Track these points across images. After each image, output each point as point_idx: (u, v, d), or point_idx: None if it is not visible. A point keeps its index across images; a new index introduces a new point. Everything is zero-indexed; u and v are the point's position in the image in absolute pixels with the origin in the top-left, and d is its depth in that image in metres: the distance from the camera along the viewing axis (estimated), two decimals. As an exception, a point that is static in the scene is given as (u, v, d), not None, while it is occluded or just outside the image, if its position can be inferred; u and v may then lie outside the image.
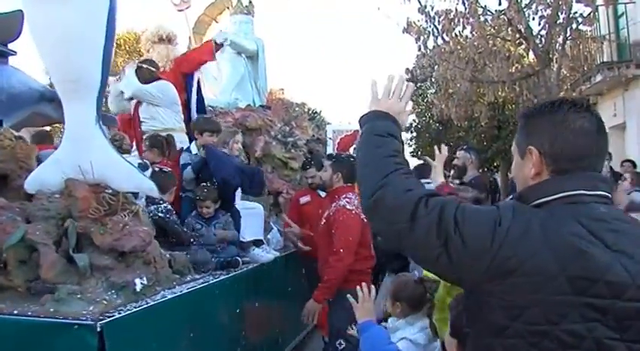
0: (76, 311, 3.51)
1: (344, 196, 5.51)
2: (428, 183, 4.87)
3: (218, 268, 5.35)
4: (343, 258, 5.19)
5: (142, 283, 3.97)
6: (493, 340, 1.87)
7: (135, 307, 3.74)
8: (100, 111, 4.11)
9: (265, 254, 6.17)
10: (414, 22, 15.70)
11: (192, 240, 5.46)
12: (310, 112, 13.34)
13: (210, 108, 9.56)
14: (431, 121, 25.73)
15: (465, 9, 14.87)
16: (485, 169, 23.93)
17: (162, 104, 7.10)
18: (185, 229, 5.46)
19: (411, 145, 27.66)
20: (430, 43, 16.01)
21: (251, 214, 6.48)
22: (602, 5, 15.21)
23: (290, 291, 6.92)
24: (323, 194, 7.33)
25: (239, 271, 5.48)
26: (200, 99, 8.17)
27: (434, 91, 21.69)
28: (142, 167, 5.40)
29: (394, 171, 2.07)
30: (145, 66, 7.22)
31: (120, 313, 3.57)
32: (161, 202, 5.30)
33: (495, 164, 25.49)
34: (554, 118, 1.99)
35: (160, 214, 5.19)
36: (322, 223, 5.65)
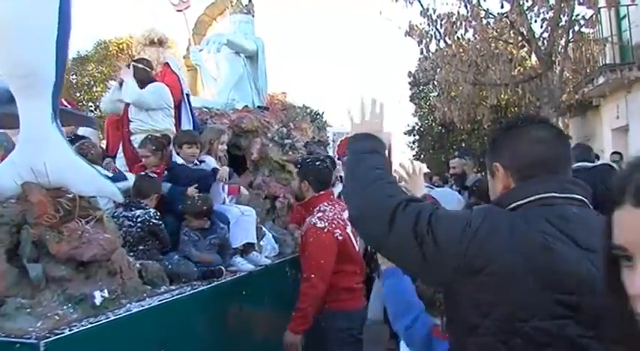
0: (21, 328, 3.04)
1: (317, 208, 4.80)
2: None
3: (200, 278, 4.85)
4: (316, 284, 4.52)
5: (102, 296, 3.48)
6: (466, 338, 1.90)
7: (91, 323, 3.26)
8: (56, 109, 3.61)
9: (245, 264, 5.62)
10: (417, 26, 15.52)
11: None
12: (312, 113, 12.93)
13: (205, 109, 9.09)
14: (433, 124, 25.12)
15: (467, 12, 14.58)
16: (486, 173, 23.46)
17: (157, 108, 6.60)
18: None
19: (413, 148, 27.18)
20: (432, 47, 15.87)
21: (242, 218, 6.00)
22: (604, 7, 14.74)
23: (282, 303, 6.25)
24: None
25: (221, 280, 4.94)
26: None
27: (436, 94, 21.20)
28: (117, 178, 4.96)
29: (377, 180, 2.14)
30: (140, 66, 6.71)
31: (71, 330, 3.08)
32: (147, 206, 4.85)
33: (498, 167, 24.95)
34: (512, 134, 2.09)
35: (153, 221, 4.73)
36: (300, 241, 5.00)
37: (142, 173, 5.20)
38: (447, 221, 1.92)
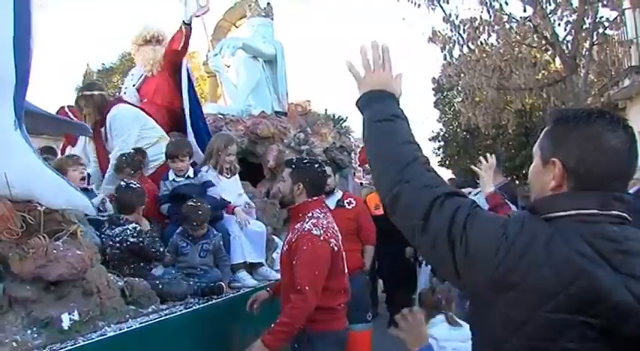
0: (-27, 355, 2.60)
1: (310, 214, 4.12)
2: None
3: (198, 295, 4.36)
4: (308, 298, 3.82)
5: (71, 319, 3.02)
6: None
7: (54, 350, 2.79)
8: (20, 113, 3.14)
9: (248, 279, 5.11)
10: (439, 32, 14.98)
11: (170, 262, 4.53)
12: (335, 118, 12.55)
13: (220, 116, 8.63)
14: (458, 129, 24.51)
15: (490, 17, 14.05)
16: (514, 177, 22.80)
17: (127, 132, 5.80)
18: (164, 251, 4.47)
19: (438, 155, 26.57)
20: (456, 52, 15.28)
21: (248, 232, 5.50)
22: (628, 9, 14.10)
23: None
24: (332, 205, 6.24)
25: (221, 298, 4.41)
26: (194, 98, 7.05)
27: (460, 99, 20.63)
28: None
29: (412, 161, 1.91)
30: (94, 93, 5.90)
31: (29, 359, 2.62)
32: (126, 222, 4.36)
33: (524, 172, 24.18)
34: (586, 133, 1.75)
35: (131, 239, 4.21)
36: (284, 248, 4.23)
37: (123, 184, 4.66)
38: (482, 227, 1.73)
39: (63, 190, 3.25)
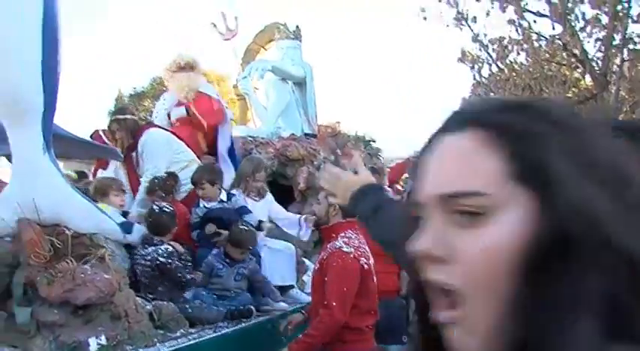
0: (4, 380, 2.57)
1: (342, 234, 4.17)
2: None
3: (228, 319, 4.30)
4: (336, 313, 3.86)
5: (99, 343, 2.97)
6: None
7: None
8: (48, 138, 3.13)
9: (277, 303, 5.03)
10: (468, 51, 14.85)
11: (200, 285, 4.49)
12: (365, 139, 12.48)
13: (250, 138, 8.61)
14: (489, 149, 24.21)
15: (519, 35, 13.86)
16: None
17: (158, 157, 5.80)
18: (192, 276, 4.43)
19: (470, 174, 26.23)
20: (485, 71, 15.03)
21: (278, 255, 5.44)
22: (660, 25, 13.82)
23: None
24: None
25: (250, 321, 4.35)
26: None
27: (490, 119, 20.46)
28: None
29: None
30: (127, 117, 5.92)
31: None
32: (159, 243, 4.35)
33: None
34: None
35: (161, 260, 4.20)
36: (316, 267, 4.32)
37: (156, 208, 4.66)
38: None
39: (91, 215, 3.24)
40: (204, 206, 5.27)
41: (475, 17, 14.20)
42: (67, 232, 3.09)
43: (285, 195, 8.14)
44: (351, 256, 4.02)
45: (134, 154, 5.84)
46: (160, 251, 4.26)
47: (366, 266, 4.09)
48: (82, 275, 2.99)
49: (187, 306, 4.15)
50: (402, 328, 6.58)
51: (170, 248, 4.38)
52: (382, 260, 5.99)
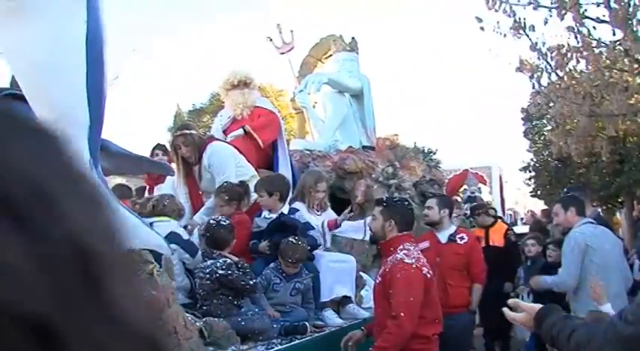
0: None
1: (400, 247, 4.20)
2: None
3: (282, 334, 4.18)
4: (404, 324, 3.86)
5: (147, 363, 2.84)
6: None
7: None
8: (95, 154, 3.05)
9: (333, 318, 4.89)
10: (526, 60, 14.36)
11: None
12: (424, 151, 12.29)
13: (307, 152, 8.48)
14: (549, 159, 23.61)
15: (578, 42, 13.39)
16: (609, 206, 21.67)
17: (227, 169, 5.80)
18: (255, 284, 4.35)
19: (529, 185, 25.55)
20: (544, 80, 14.49)
21: (338, 268, 5.28)
22: None
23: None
24: (443, 239, 6.17)
25: (305, 338, 4.20)
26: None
27: (550, 128, 19.85)
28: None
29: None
30: (193, 132, 5.97)
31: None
32: (218, 257, 4.32)
33: (620, 200, 22.96)
34: None
35: (220, 272, 4.18)
36: (377, 281, 4.37)
37: (213, 221, 4.60)
38: None
39: (138, 230, 3.12)
40: (265, 216, 5.19)
41: (533, 26, 13.74)
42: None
43: (343, 209, 7.97)
44: (414, 266, 4.07)
45: (196, 168, 5.81)
46: (219, 264, 4.27)
47: (428, 275, 4.16)
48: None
49: (240, 319, 4.07)
50: (469, 343, 6.43)
51: (228, 260, 4.36)
52: (456, 274, 5.93)
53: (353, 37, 9.91)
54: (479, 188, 15.39)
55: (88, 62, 2.85)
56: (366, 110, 9.70)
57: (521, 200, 34.14)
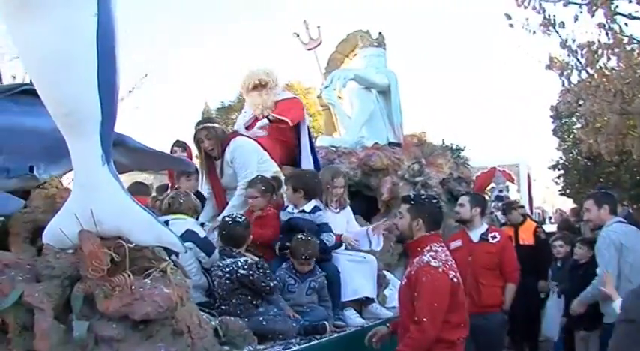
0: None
1: (428, 248, 3.99)
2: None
3: (301, 334, 4.07)
4: (426, 329, 3.70)
5: (158, 358, 2.77)
6: None
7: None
8: (107, 149, 2.98)
9: (354, 317, 4.77)
10: (556, 58, 14.14)
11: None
12: (452, 148, 12.10)
13: (333, 148, 8.36)
14: (578, 157, 23.21)
15: (609, 39, 13.09)
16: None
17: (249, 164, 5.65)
18: (275, 285, 4.26)
19: (558, 184, 25.15)
20: (574, 78, 14.21)
21: (357, 267, 5.15)
22: None
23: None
24: (475, 238, 6.04)
25: (324, 338, 4.08)
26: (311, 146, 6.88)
27: (580, 126, 19.47)
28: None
29: None
30: (216, 126, 5.82)
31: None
32: (237, 255, 4.26)
33: (651, 200, 22.48)
34: None
35: (241, 271, 4.10)
36: (403, 282, 4.18)
37: (227, 219, 4.56)
38: None
39: (151, 227, 3.05)
40: (289, 211, 5.08)
41: (563, 22, 13.55)
42: (125, 244, 2.91)
43: (370, 206, 7.84)
44: (440, 270, 3.87)
45: (219, 163, 5.73)
46: (240, 263, 4.17)
47: (455, 280, 3.96)
48: (141, 289, 2.80)
49: (261, 318, 3.99)
50: (502, 343, 6.26)
51: (249, 260, 4.27)
52: (489, 274, 5.75)
53: (380, 33, 9.72)
54: (507, 187, 15.13)
55: (100, 56, 2.77)
56: (393, 106, 9.47)
57: (549, 199, 33.63)
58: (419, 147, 9.67)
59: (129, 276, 2.77)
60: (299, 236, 4.62)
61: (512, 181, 16.71)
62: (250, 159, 5.58)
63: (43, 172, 3.56)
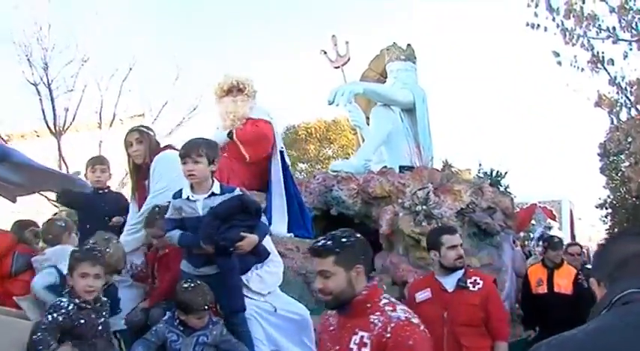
0: None
1: (385, 301, 2.61)
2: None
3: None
4: None
5: None
6: None
7: None
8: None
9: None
10: (605, 95, 12.77)
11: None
12: (491, 173, 10.57)
13: (333, 173, 6.90)
14: (627, 195, 21.33)
15: (659, 76, 11.61)
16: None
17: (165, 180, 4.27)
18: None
19: (605, 222, 23.15)
20: (623, 115, 12.93)
21: (287, 326, 3.65)
22: None
23: None
24: (450, 287, 4.11)
25: None
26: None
27: (628, 164, 17.66)
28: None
29: None
30: (151, 133, 4.54)
31: None
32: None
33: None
34: None
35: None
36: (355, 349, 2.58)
37: (185, 285, 3.27)
38: None
39: None
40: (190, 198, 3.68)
41: (612, 59, 12.27)
42: None
43: (372, 242, 6.21)
44: (422, 328, 2.55)
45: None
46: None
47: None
48: None
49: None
50: None
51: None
52: (472, 332, 4.09)
53: (409, 44, 8.22)
54: (550, 226, 13.28)
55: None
56: (420, 126, 7.97)
57: (594, 237, 31.22)
58: (439, 171, 7.78)
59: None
60: (184, 285, 3.23)
61: (553, 218, 14.84)
62: (167, 172, 4.18)
63: None
